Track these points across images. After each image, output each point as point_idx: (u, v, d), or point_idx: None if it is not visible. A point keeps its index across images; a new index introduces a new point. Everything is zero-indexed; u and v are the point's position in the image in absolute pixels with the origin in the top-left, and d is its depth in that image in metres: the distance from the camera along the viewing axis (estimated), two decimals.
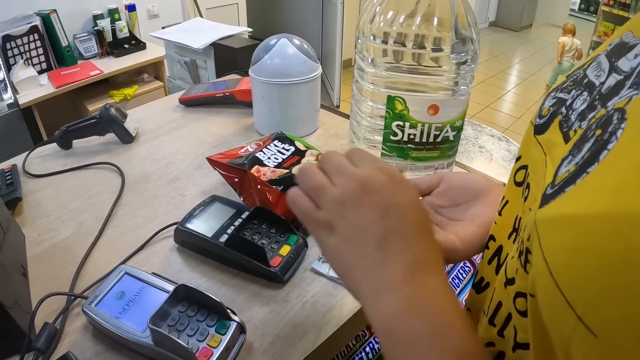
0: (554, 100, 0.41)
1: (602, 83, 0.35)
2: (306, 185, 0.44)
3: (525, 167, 0.43)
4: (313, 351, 0.61)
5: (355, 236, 0.40)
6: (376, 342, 0.83)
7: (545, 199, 0.31)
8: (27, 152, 1.06)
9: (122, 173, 0.98)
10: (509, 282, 0.37)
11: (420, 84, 0.69)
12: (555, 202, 0.30)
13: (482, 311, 0.45)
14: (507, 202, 0.46)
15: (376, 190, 0.40)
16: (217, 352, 0.56)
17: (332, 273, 0.71)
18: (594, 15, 5.19)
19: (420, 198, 0.56)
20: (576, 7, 7.69)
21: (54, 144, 1.09)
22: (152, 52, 3.17)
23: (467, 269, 1.00)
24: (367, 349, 0.81)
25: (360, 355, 0.80)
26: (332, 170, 0.43)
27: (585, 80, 0.38)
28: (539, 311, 0.30)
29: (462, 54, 0.66)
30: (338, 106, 4.11)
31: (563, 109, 0.38)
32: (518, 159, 0.45)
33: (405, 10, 0.65)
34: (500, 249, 0.46)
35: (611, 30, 4.91)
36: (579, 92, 0.38)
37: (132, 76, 3.18)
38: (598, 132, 0.31)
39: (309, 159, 0.81)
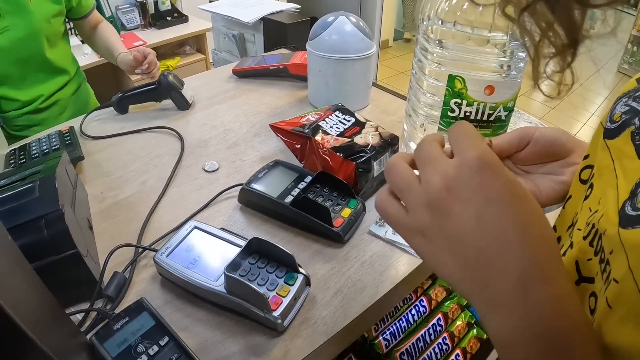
0: (627, 108, 0.41)
1: None
2: (392, 185, 0.38)
3: (591, 166, 0.44)
4: (371, 305, 0.65)
5: (451, 245, 0.34)
6: (422, 306, 0.87)
7: (629, 220, 0.32)
8: (84, 115, 1.11)
9: (181, 137, 1.02)
10: (585, 280, 0.38)
11: (479, 66, 0.72)
12: None
13: None
14: (570, 197, 0.48)
15: (462, 187, 0.33)
16: (286, 301, 0.60)
17: (388, 236, 0.74)
18: (634, 8, 5.02)
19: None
20: None
21: (110, 108, 1.14)
22: (195, 25, 3.21)
23: None
24: (413, 311, 0.85)
25: (407, 317, 0.84)
26: (420, 162, 0.37)
27: None
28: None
29: (520, 40, 0.69)
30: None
31: (636, 120, 0.38)
32: (586, 157, 0.46)
33: None
34: (558, 240, 0.48)
35: None
36: None
37: (174, 48, 3.23)
38: None
39: (368, 130, 0.84)
